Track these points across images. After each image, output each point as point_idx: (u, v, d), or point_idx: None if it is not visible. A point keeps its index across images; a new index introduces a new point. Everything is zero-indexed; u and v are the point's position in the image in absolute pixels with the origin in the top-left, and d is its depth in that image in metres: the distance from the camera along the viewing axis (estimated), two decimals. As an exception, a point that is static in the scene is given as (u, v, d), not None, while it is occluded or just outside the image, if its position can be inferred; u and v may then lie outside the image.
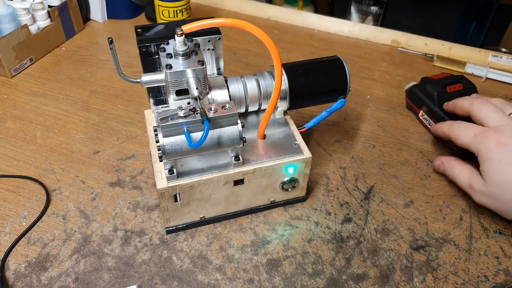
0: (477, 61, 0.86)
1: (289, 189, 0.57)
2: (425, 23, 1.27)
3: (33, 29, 0.83)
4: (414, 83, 0.75)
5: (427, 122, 0.71)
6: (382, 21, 1.32)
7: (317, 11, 1.37)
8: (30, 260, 0.52)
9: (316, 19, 0.98)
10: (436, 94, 0.69)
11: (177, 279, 0.51)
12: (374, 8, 1.31)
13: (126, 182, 0.62)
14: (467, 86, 0.70)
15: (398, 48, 0.92)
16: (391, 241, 0.56)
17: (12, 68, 0.81)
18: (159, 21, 0.85)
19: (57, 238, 0.55)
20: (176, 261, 0.53)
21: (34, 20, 0.84)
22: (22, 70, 0.83)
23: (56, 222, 0.57)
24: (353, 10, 1.33)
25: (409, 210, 0.59)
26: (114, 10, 0.97)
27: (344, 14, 1.34)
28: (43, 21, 0.85)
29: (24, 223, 0.56)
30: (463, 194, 0.62)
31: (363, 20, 1.34)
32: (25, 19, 0.82)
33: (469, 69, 0.84)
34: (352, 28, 0.96)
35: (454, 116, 0.66)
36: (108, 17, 0.99)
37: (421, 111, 0.72)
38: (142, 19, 0.99)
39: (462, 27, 1.22)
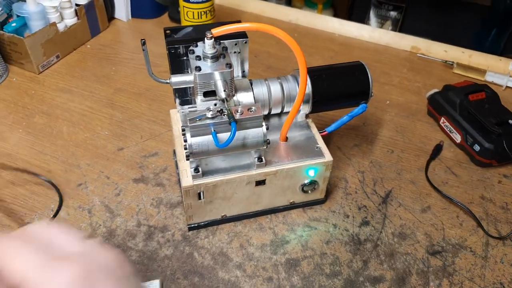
0: (497, 70, 0.86)
1: (309, 191, 0.58)
2: (445, 29, 1.27)
3: (60, 26, 0.86)
4: (436, 90, 0.76)
5: (448, 129, 0.71)
6: (401, 26, 1.32)
7: (336, 14, 1.37)
8: (58, 251, 0.54)
9: (336, 23, 0.99)
10: (458, 102, 0.69)
11: (198, 275, 0.52)
12: (393, 13, 1.31)
13: (149, 179, 0.64)
14: (490, 95, 0.71)
15: (418, 55, 0.92)
16: (408, 245, 0.56)
17: (40, 64, 0.83)
18: (183, 22, 0.87)
19: (83, 231, 0.57)
20: (198, 257, 0.54)
21: (62, 18, 0.87)
22: (49, 67, 0.86)
23: (82, 215, 0.59)
24: (372, 14, 1.33)
25: (426, 216, 0.60)
26: (138, 10, 1.00)
27: (363, 18, 1.34)
28: (70, 19, 0.88)
29: (52, 216, 0.59)
30: (481, 201, 0.62)
31: (381, 25, 1.34)
32: (53, 17, 0.84)
33: (489, 77, 0.84)
34: (372, 33, 0.97)
35: (476, 124, 0.67)
36: (132, 16, 1.01)
37: (442, 118, 0.72)
38: (165, 19, 1.01)
39: (482, 34, 1.22)
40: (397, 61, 0.91)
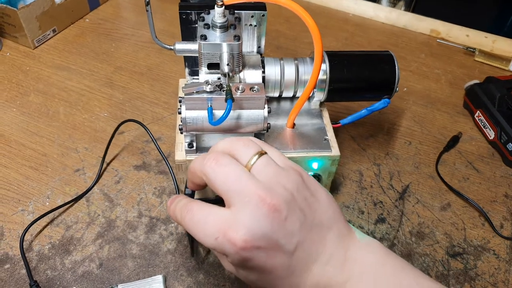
0: (522, 57, 0.81)
1: None
2: (460, 10, 1.21)
3: (57, -2, 0.80)
4: (476, 81, 0.70)
5: (482, 124, 0.67)
6: (414, 7, 1.26)
7: (347, -7, 1.30)
8: (54, 242, 0.51)
9: (351, 2, 0.93)
10: (499, 96, 0.64)
11: (204, 272, 0.49)
12: (407, -7, 1.24)
13: (151, 166, 0.60)
14: None
15: (438, 40, 0.87)
16: (426, 245, 0.53)
17: (35, 38, 0.78)
18: (188, -4, 0.81)
19: (81, 221, 0.53)
20: (202, 253, 0.51)
21: (58, -11, 0.81)
22: (45, 41, 0.80)
23: (79, 204, 0.55)
24: (384, -7, 1.27)
25: (446, 214, 0.57)
26: (140, -18, 0.93)
27: (374, -3, 1.28)
28: (67, -10, 0.82)
29: (48, 203, 0.55)
30: (504, 199, 0.59)
31: (394, 5, 1.27)
32: (49, -13, 0.78)
33: (513, 66, 0.79)
34: (388, 14, 0.91)
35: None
36: (133, -11, 0.95)
37: (478, 112, 0.67)
38: (168, -7, 0.95)
39: (500, 18, 1.16)
40: (415, 45, 0.86)
